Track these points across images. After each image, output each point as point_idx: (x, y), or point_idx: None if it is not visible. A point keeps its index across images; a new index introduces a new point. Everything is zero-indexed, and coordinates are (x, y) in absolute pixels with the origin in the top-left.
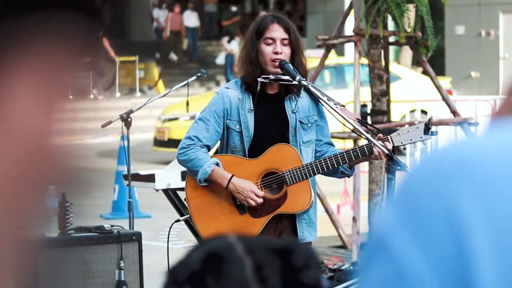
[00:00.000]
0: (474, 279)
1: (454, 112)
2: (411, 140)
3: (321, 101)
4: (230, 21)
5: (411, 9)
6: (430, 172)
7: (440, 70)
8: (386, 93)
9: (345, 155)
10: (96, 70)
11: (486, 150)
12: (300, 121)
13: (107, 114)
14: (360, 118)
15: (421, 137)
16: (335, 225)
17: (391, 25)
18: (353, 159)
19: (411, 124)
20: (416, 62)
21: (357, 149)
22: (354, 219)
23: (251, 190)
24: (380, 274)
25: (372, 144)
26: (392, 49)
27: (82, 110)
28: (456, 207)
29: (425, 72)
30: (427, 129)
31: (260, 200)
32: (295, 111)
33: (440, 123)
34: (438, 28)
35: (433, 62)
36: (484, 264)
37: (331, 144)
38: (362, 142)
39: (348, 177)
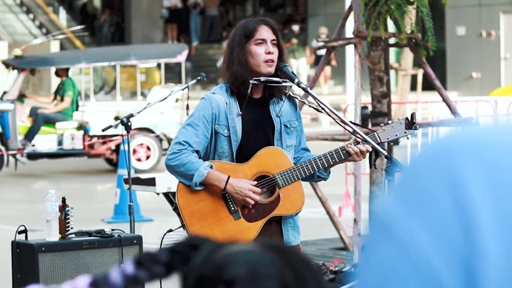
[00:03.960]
0: (479, 257)
1: (454, 113)
2: (396, 135)
3: (320, 104)
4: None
5: (411, 10)
6: (435, 155)
7: (441, 71)
8: (386, 95)
9: (334, 154)
10: None
11: (491, 133)
12: (284, 125)
13: (109, 118)
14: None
15: (405, 132)
16: (336, 227)
17: (390, 27)
18: (342, 157)
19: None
20: (417, 64)
21: (345, 147)
22: (355, 221)
23: (249, 189)
24: (384, 256)
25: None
26: (392, 50)
27: (84, 114)
28: (462, 187)
29: (425, 74)
30: (410, 123)
31: (258, 198)
32: (279, 115)
33: (441, 123)
34: (439, 29)
35: (434, 63)
36: (489, 242)
37: (308, 150)
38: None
39: (325, 180)
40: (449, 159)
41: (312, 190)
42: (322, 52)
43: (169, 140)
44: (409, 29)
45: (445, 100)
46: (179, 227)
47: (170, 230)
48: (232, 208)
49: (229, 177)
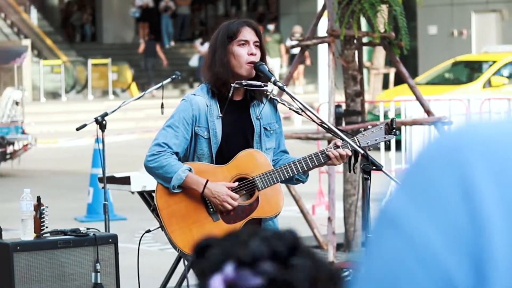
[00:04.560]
0: (487, 250)
1: (428, 112)
2: (376, 140)
3: (296, 102)
4: None
5: (384, 9)
6: (443, 149)
7: (413, 70)
8: (360, 93)
9: (314, 157)
10: None
11: (499, 127)
12: (264, 127)
13: (80, 117)
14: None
15: (384, 137)
16: (310, 226)
17: (364, 26)
18: (322, 161)
19: (373, 125)
20: (389, 62)
21: (325, 151)
22: (329, 219)
23: (227, 194)
24: (391, 251)
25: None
26: (364, 50)
27: (55, 114)
28: (470, 181)
29: (398, 72)
30: (390, 129)
31: (236, 204)
32: (259, 117)
33: (414, 122)
34: (411, 28)
35: (406, 62)
36: (497, 236)
37: (286, 152)
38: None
39: (303, 183)
40: (457, 154)
41: (286, 189)
42: (296, 51)
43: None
44: (383, 28)
45: (418, 98)
46: (157, 227)
47: (148, 231)
48: (211, 210)
49: (207, 181)
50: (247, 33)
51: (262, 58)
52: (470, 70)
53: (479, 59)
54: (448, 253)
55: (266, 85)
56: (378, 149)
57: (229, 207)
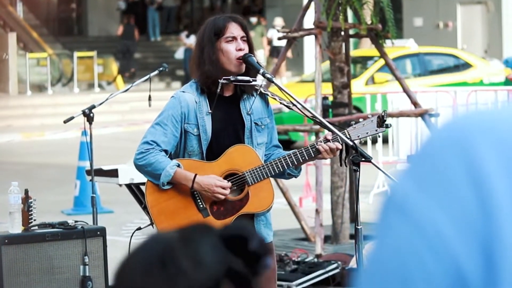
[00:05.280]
0: (497, 237)
1: (415, 104)
2: (367, 133)
3: (285, 94)
4: None
5: (370, 1)
6: (451, 136)
7: None
8: (347, 85)
9: (304, 152)
10: None
11: (506, 114)
12: (255, 123)
13: (66, 110)
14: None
15: (376, 130)
16: (297, 218)
17: (350, 18)
18: (312, 155)
19: (365, 118)
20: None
21: (315, 145)
22: (317, 211)
23: (217, 184)
24: (399, 239)
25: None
26: (350, 42)
27: (41, 107)
28: (479, 167)
29: (386, 64)
30: (381, 121)
31: (228, 192)
32: (250, 112)
33: (401, 114)
34: (397, 20)
35: None
36: (507, 222)
37: (279, 147)
38: (325, 134)
39: (295, 177)
40: (465, 140)
41: (274, 181)
42: (278, 43)
43: None
44: (369, 19)
45: (405, 90)
46: (148, 225)
47: (139, 228)
48: (201, 206)
49: (195, 175)
50: (234, 29)
51: (250, 51)
52: (354, 66)
53: (364, 55)
54: (458, 239)
55: (255, 80)
56: (365, 142)
57: (222, 197)
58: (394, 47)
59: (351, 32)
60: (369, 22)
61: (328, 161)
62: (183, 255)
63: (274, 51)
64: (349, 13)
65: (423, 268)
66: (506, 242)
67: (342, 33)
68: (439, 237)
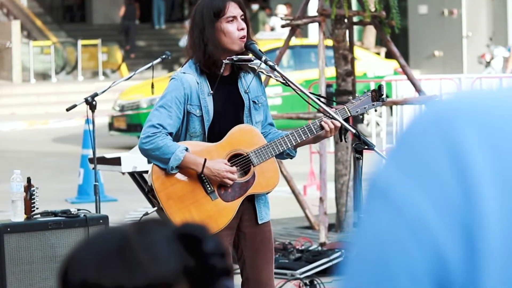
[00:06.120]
0: (479, 220)
1: (419, 91)
2: (365, 108)
3: (288, 82)
4: None
5: None
6: (432, 119)
7: (403, 49)
8: (351, 73)
9: (306, 129)
10: None
11: (488, 97)
12: (253, 101)
13: (70, 98)
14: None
15: (373, 104)
16: (302, 206)
17: (354, 5)
18: (314, 132)
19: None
20: (380, 42)
21: (316, 121)
22: (321, 199)
23: (227, 170)
24: (381, 223)
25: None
26: (354, 29)
27: (45, 95)
28: (461, 150)
29: (389, 52)
30: (378, 95)
31: (236, 177)
32: (247, 91)
33: (405, 102)
34: (401, 7)
35: (397, 41)
36: (489, 205)
37: (273, 125)
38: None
39: (291, 158)
40: (447, 123)
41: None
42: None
43: None
44: (373, 7)
45: (409, 78)
46: (155, 209)
47: (146, 214)
48: (209, 189)
49: (205, 160)
50: (233, 9)
51: (248, 29)
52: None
53: None
54: (439, 224)
55: (255, 58)
56: (370, 132)
57: (231, 182)
58: (271, 39)
59: (355, 19)
60: (373, 9)
61: (332, 149)
62: (140, 247)
63: None
64: (353, 0)
65: (404, 253)
66: (488, 227)
67: (346, 20)
68: (421, 222)
